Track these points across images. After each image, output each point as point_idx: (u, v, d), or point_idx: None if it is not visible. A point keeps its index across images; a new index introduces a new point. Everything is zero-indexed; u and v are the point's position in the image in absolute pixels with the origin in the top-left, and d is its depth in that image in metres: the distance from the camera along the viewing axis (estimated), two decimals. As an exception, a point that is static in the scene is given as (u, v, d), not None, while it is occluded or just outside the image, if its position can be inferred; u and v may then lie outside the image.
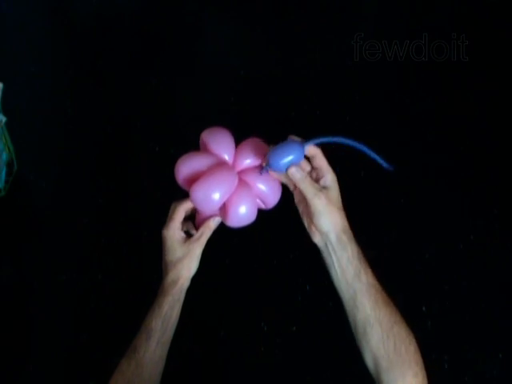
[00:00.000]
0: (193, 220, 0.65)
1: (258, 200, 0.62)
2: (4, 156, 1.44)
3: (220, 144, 0.62)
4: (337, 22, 2.00)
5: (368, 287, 0.56)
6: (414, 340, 0.56)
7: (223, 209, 0.60)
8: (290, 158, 0.56)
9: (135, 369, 0.59)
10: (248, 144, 0.62)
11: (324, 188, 0.58)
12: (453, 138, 1.60)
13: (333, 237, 0.57)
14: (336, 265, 0.57)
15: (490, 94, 1.69)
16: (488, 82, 1.72)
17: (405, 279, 1.30)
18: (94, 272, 1.34)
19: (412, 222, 1.41)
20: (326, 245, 0.58)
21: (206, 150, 0.62)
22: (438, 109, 1.69)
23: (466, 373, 1.18)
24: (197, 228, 0.64)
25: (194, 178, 0.58)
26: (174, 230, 0.62)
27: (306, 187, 0.56)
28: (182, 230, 0.63)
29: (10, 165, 1.47)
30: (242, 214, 0.59)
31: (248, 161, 0.61)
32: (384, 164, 0.58)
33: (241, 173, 0.61)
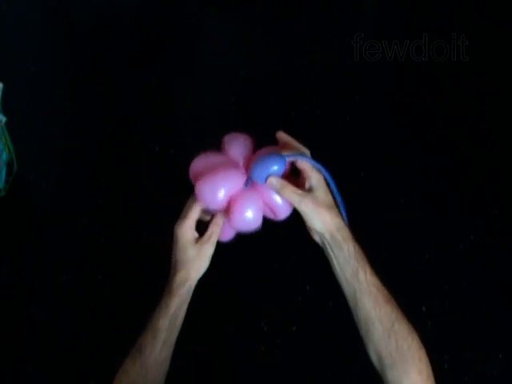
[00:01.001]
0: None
1: (268, 209, 0.62)
2: (4, 156, 1.44)
3: (237, 148, 0.62)
4: (337, 22, 2.00)
5: (367, 286, 0.56)
6: (416, 337, 0.56)
7: (229, 210, 0.60)
8: (271, 169, 0.57)
9: (140, 369, 0.58)
10: (265, 151, 0.62)
11: (310, 190, 0.58)
12: (453, 137, 1.60)
13: (328, 236, 0.57)
14: (335, 262, 0.57)
15: (490, 94, 1.69)
16: (488, 82, 1.72)
17: (405, 279, 1.30)
18: (94, 272, 1.34)
19: (412, 222, 1.41)
20: (324, 243, 0.58)
21: (224, 153, 0.63)
22: (437, 109, 1.69)
23: (465, 373, 1.18)
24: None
25: (204, 174, 0.59)
26: (186, 229, 0.60)
27: (289, 196, 0.57)
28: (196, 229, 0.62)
29: (10, 165, 1.47)
30: (247, 218, 0.59)
31: (241, 159, 0.62)
32: (343, 211, 0.59)
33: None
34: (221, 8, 2.08)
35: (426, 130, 1.63)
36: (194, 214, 0.60)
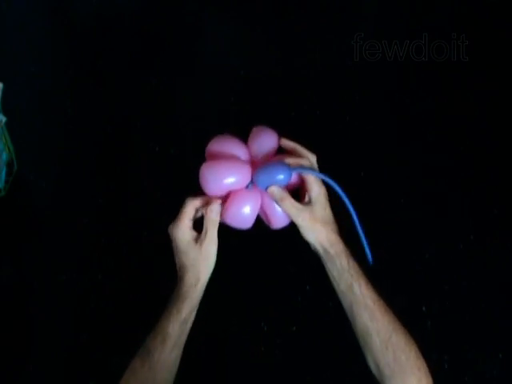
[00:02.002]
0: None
1: (265, 216, 0.62)
2: (4, 156, 1.44)
3: (261, 145, 0.61)
4: (337, 22, 2.00)
5: (363, 299, 0.56)
6: (414, 346, 0.56)
7: (226, 201, 0.59)
8: (276, 178, 0.56)
9: (148, 371, 0.57)
10: (276, 158, 0.61)
11: (308, 204, 0.58)
12: (453, 137, 1.60)
13: (320, 250, 0.58)
14: (330, 275, 0.58)
15: (490, 94, 1.69)
16: (488, 82, 1.72)
17: (405, 279, 1.30)
18: (94, 272, 1.34)
19: (412, 222, 1.41)
20: (318, 255, 0.59)
21: (247, 144, 0.62)
22: (438, 109, 1.69)
23: (466, 373, 1.18)
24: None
25: (215, 158, 0.59)
26: (183, 230, 0.57)
27: (287, 207, 0.57)
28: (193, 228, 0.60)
29: (10, 165, 1.47)
30: (242, 214, 0.59)
31: (262, 152, 0.61)
32: (354, 217, 0.59)
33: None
34: (221, 8, 2.08)
35: (425, 130, 1.63)
36: (188, 214, 0.58)
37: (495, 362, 1.19)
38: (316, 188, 0.58)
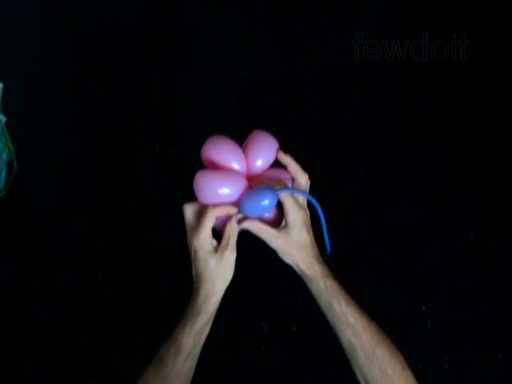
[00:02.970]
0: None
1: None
2: (4, 156, 1.44)
3: (260, 152, 0.61)
4: (337, 22, 2.00)
5: (344, 316, 0.56)
6: (399, 357, 0.56)
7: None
8: (262, 203, 0.56)
9: (161, 382, 0.56)
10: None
11: (284, 228, 0.58)
12: (453, 137, 1.60)
13: (297, 271, 0.60)
14: (312, 292, 0.60)
15: (490, 94, 1.69)
16: (488, 82, 1.72)
17: (405, 279, 1.30)
18: (94, 272, 1.34)
19: (412, 222, 1.41)
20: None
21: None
22: (438, 109, 1.69)
23: (466, 373, 1.18)
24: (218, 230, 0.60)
25: (212, 164, 0.59)
26: (204, 239, 0.56)
27: (263, 236, 0.59)
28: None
29: (10, 165, 1.47)
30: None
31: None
32: (327, 243, 0.60)
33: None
34: (221, 8, 2.08)
35: (426, 130, 1.63)
36: (209, 222, 0.56)
37: (495, 362, 1.19)
38: (292, 213, 0.57)
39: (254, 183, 0.60)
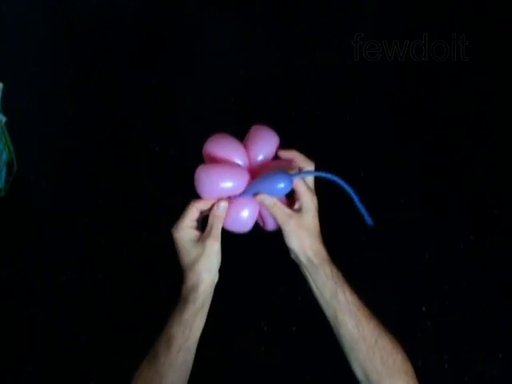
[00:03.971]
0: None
1: (260, 217, 0.61)
2: (4, 156, 1.44)
3: (261, 146, 0.60)
4: (337, 22, 2.00)
5: (347, 306, 0.56)
6: (400, 350, 0.57)
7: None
8: (278, 187, 0.56)
9: (155, 374, 0.57)
10: (274, 166, 0.60)
11: (297, 212, 0.58)
12: (453, 137, 1.60)
13: (303, 260, 0.58)
14: (312, 285, 0.58)
15: (490, 94, 1.69)
16: (488, 82, 1.72)
17: (405, 279, 1.30)
18: (94, 272, 1.34)
19: (412, 222, 1.41)
20: (300, 264, 0.59)
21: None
22: (438, 109, 1.69)
23: (466, 373, 1.18)
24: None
25: (212, 161, 0.58)
26: (184, 230, 0.56)
27: (277, 213, 0.57)
28: (197, 228, 0.58)
29: (10, 165, 1.47)
30: (241, 218, 0.58)
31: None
32: (366, 217, 0.59)
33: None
34: (221, 8, 2.08)
35: (426, 130, 1.63)
36: (189, 213, 0.57)
37: (495, 362, 1.19)
38: (307, 198, 0.57)
39: (264, 171, 0.58)
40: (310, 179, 0.60)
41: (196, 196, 0.59)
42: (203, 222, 0.60)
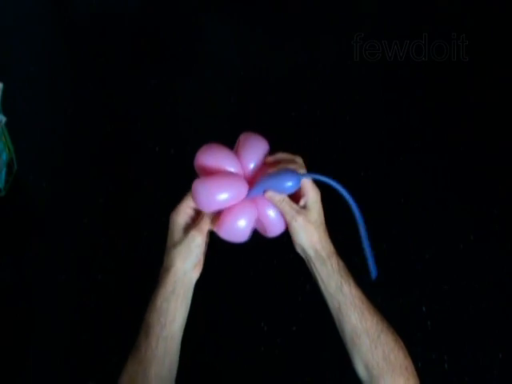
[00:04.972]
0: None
1: (260, 225, 0.61)
2: (4, 156, 1.44)
3: (251, 152, 0.60)
4: (337, 22, 2.00)
5: (352, 299, 0.57)
6: (402, 346, 0.57)
7: (220, 216, 0.58)
8: (286, 185, 0.56)
9: (138, 365, 0.57)
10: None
11: (304, 208, 0.58)
12: (453, 137, 1.60)
13: (311, 253, 0.58)
14: (318, 278, 0.59)
15: (490, 94, 1.69)
16: (488, 82, 1.72)
17: (405, 279, 1.30)
18: (94, 272, 1.34)
19: (412, 222, 1.41)
20: (306, 258, 0.59)
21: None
22: (437, 109, 1.69)
23: (466, 373, 1.18)
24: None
25: (206, 173, 0.58)
26: (179, 214, 0.58)
27: (285, 209, 0.58)
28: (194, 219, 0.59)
29: (9, 165, 1.47)
30: (238, 227, 0.57)
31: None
32: (361, 228, 0.60)
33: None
34: (221, 8, 2.08)
35: (425, 130, 1.63)
36: (187, 198, 0.58)
37: (495, 362, 1.19)
38: (313, 194, 0.58)
39: (264, 175, 0.58)
40: None
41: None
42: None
